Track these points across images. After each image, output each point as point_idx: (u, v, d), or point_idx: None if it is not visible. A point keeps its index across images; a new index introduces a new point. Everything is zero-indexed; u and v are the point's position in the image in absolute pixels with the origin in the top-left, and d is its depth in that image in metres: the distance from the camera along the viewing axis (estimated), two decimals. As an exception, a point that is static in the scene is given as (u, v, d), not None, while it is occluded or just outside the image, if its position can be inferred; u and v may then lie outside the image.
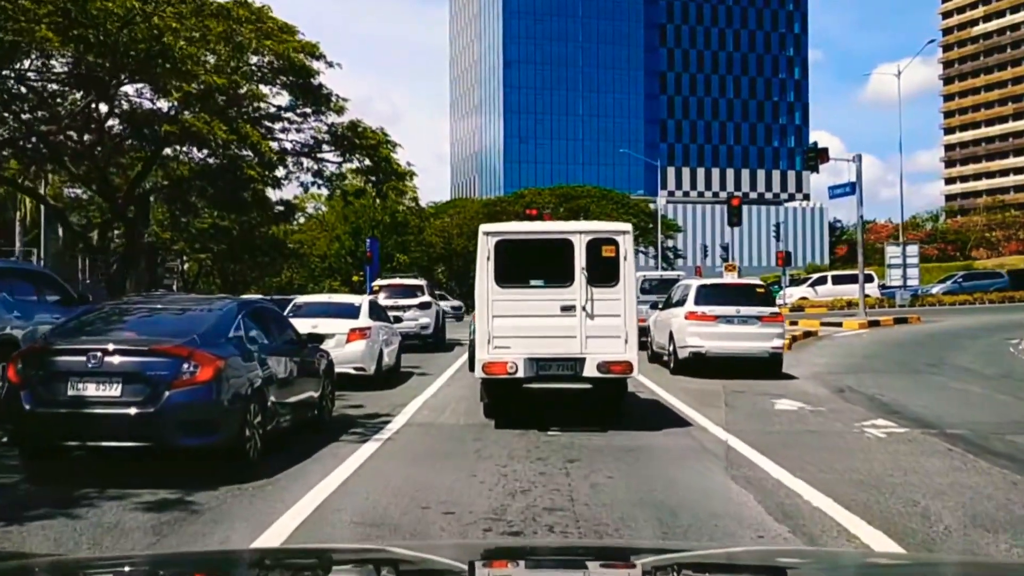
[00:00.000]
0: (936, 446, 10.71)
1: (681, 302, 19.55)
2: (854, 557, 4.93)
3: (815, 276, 56.71)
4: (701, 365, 18.54)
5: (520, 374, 11.88)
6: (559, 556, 4.02)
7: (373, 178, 32.03)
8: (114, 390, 8.28)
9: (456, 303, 53.25)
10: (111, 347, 8.45)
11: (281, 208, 43.08)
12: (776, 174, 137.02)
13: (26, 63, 24.03)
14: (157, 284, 61.22)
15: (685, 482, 8.69)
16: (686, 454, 10.22)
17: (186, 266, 73.09)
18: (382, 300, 24.10)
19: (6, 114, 25.80)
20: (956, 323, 33.89)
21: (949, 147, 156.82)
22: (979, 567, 4.38)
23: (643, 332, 18.18)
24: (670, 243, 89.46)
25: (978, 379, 18.60)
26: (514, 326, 11.93)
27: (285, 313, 17.16)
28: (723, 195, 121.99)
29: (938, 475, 9.01)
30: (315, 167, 31.95)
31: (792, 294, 48.65)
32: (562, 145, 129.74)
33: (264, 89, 28.79)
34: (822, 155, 34.46)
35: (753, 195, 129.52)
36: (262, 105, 29.74)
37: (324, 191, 35.36)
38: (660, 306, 21.43)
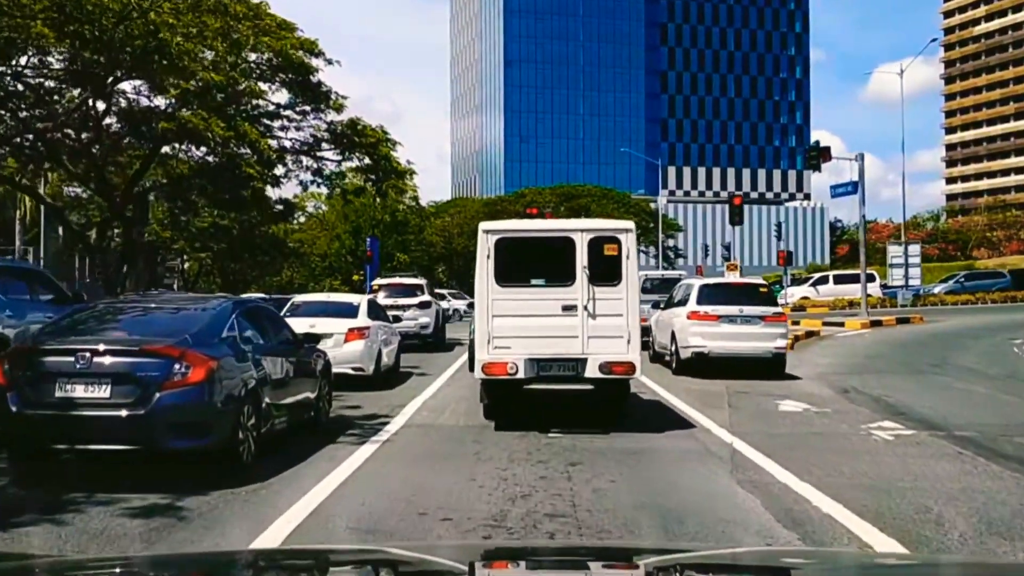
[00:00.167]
0: (945, 449, 10.49)
1: (683, 302, 19.34)
2: (856, 557, 4.85)
3: (816, 276, 56.48)
4: (703, 365, 18.33)
5: (520, 375, 11.64)
6: (560, 557, 3.97)
7: (373, 176, 31.81)
8: (103, 391, 8.06)
9: (472, 301, 52.87)
10: (100, 347, 8.23)
11: (280, 207, 42.88)
12: (777, 174, 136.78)
13: (23, 60, 23.81)
14: (157, 283, 61.06)
15: (690, 486, 8.47)
16: (690, 457, 10.00)
17: (186, 265, 72.94)
18: (381, 299, 23.89)
19: (3, 112, 25.59)
20: (959, 323, 33.69)
21: (950, 147, 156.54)
22: (981, 567, 4.35)
23: (644, 332, 17.97)
24: (671, 242, 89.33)
25: (983, 380, 18.39)
26: (514, 326, 11.70)
27: (283, 312, 17.01)
28: (724, 194, 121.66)
29: (949, 479, 8.79)
30: (314, 165, 31.75)
31: (793, 294, 48.43)
32: (563, 144, 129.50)
33: (263, 86, 28.58)
34: (824, 154, 34.20)
35: (754, 195, 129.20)
36: (261, 103, 29.55)
37: (323, 189, 35.14)
38: (662, 306, 21.22)
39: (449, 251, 79.85)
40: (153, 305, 10.02)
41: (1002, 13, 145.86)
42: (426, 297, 26.67)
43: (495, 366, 11.62)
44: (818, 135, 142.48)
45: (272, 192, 36.92)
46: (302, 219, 76.77)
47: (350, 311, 17.41)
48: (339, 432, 11.34)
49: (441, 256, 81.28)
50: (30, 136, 27.21)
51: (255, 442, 9.02)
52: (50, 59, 24.10)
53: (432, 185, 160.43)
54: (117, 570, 3.60)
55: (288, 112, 30.41)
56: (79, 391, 8.07)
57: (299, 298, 19.98)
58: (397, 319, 22.73)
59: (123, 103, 27.89)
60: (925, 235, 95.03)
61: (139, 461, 8.60)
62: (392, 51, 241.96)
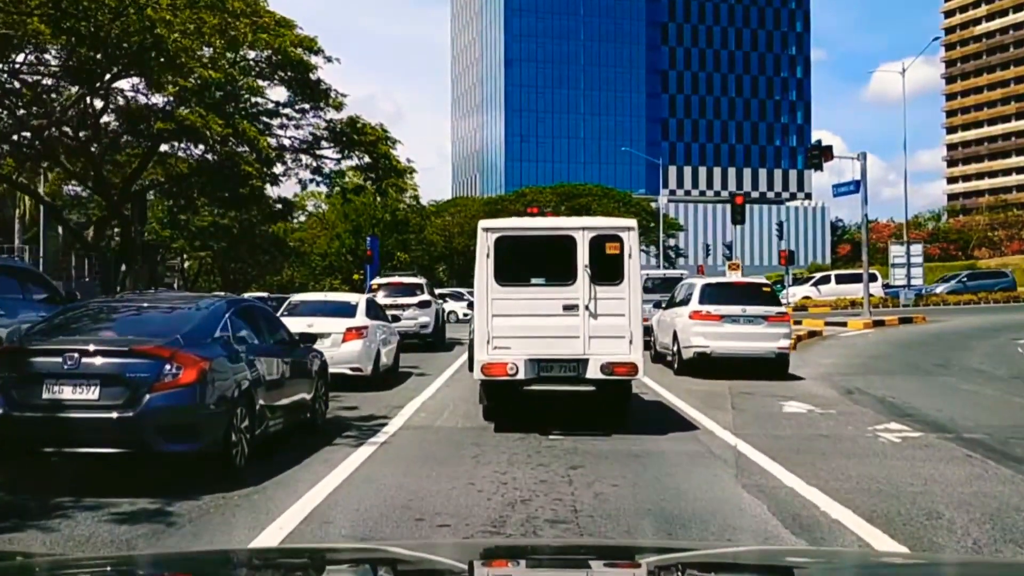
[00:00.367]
0: (954, 452, 10.28)
1: (685, 301, 19.15)
2: (857, 556, 4.81)
3: (818, 275, 56.31)
4: (706, 365, 18.15)
5: (520, 376, 11.42)
6: (560, 555, 3.91)
7: (372, 175, 31.60)
8: (92, 393, 7.83)
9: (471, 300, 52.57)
10: (89, 348, 8.01)
11: (280, 206, 42.70)
12: (778, 173, 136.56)
13: (19, 57, 23.62)
14: (157, 282, 60.94)
15: (694, 491, 8.24)
16: (694, 460, 9.78)
17: (187, 264, 72.82)
18: (381, 299, 23.72)
19: (0, 110, 25.38)
20: (962, 323, 33.49)
21: (951, 146, 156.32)
22: (981, 567, 4.31)
23: (646, 332, 17.80)
24: (672, 242, 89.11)
25: (989, 380, 18.18)
26: (514, 326, 11.47)
27: (280, 311, 16.81)
28: (725, 194, 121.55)
29: (960, 484, 8.58)
30: (314, 164, 31.52)
31: (795, 293, 48.19)
32: (563, 143, 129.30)
33: (261, 84, 28.36)
34: (826, 153, 34.00)
35: (755, 194, 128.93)
36: (260, 101, 29.35)
37: (323, 188, 34.92)
38: (664, 305, 21.03)
39: (449, 250, 79.63)
40: (145, 304, 9.79)
41: (1003, 13, 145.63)
42: (426, 296, 26.47)
43: (495, 367, 11.40)
44: (819, 135, 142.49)
45: (272, 191, 36.77)
46: (302, 218, 76.72)
47: (348, 310, 17.21)
48: (336, 434, 11.14)
49: (442, 255, 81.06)
50: (27, 134, 27.01)
51: (248, 445, 8.81)
52: (47, 56, 23.91)
53: (434, 184, 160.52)
54: (118, 568, 3.54)
55: (287, 110, 30.21)
56: (67, 392, 7.85)
57: (297, 297, 19.79)
58: (396, 318, 22.53)
59: (121, 101, 27.68)
60: (926, 235, 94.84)
61: (129, 464, 8.38)
62: (393, 51, 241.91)
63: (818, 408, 13.89)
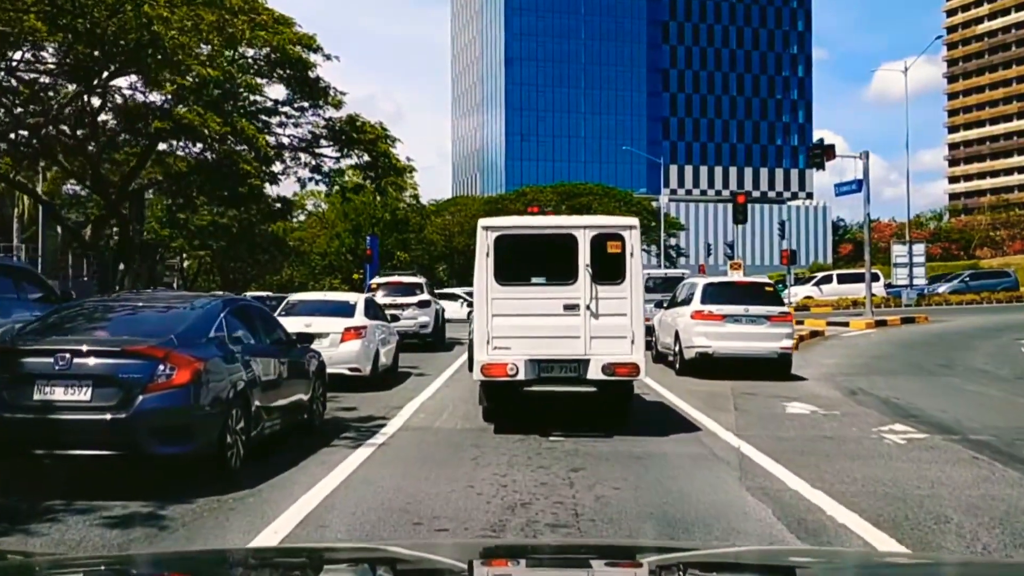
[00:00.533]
0: (960, 454, 10.13)
1: (687, 301, 19.01)
2: (857, 556, 4.79)
3: (820, 275, 56.10)
4: (708, 366, 18.01)
5: (521, 376, 11.26)
6: (561, 555, 3.88)
7: (372, 174, 31.44)
8: (83, 394, 7.68)
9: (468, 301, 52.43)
10: (80, 348, 7.85)
11: (279, 205, 42.55)
12: (779, 172, 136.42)
13: (17, 55, 23.47)
14: (157, 281, 60.84)
15: (697, 494, 8.09)
16: (697, 462, 9.62)
17: (186, 264, 72.71)
18: (380, 298, 23.57)
19: (-3, 107, 25.25)
20: (965, 323, 33.33)
21: (953, 146, 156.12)
22: (981, 567, 4.29)
23: (647, 332, 17.68)
24: (673, 241, 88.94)
25: (993, 381, 18.04)
26: (514, 326, 11.31)
27: (278, 311, 16.67)
28: (726, 193, 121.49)
29: (967, 487, 8.43)
30: (313, 162, 31.36)
31: (797, 293, 48.02)
32: (564, 143, 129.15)
33: (260, 82, 28.21)
34: (828, 152, 33.85)
35: (756, 193, 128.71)
36: (259, 99, 29.19)
37: (322, 187, 34.75)
38: (665, 305, 20.89)
39: (450, 249, 79.47)
40: (140, 304, 9.62)
41: (1005, 12, 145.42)
42: (425, 296, 26.32)
43: (494, 367, 11.25)
44: (820, 134, 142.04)
45: (271, 190, 36.61)
46: (302, 217, 76.58)
47: (347, 310, 17.06)
48: (333, 435, 10.99)
49: (442, 255, 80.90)
50: (24, 133, 26.87)
51: (244, 446, 8.66)
52: (44, 54, 23.77)
53: (433, 183, 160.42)
54: (117, 568, 3.52)
55: (286, 108, 30.06)
56: (58, 393, 7.69)
57: (295, 297, 19.65)
58: (395, 318, 22.38)
59: (118, 99, 27.54)
60: (928, 234, 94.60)
61: (122, 467, 8.22)
62: (393, 50, 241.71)
63: (822, 409, 13.74)
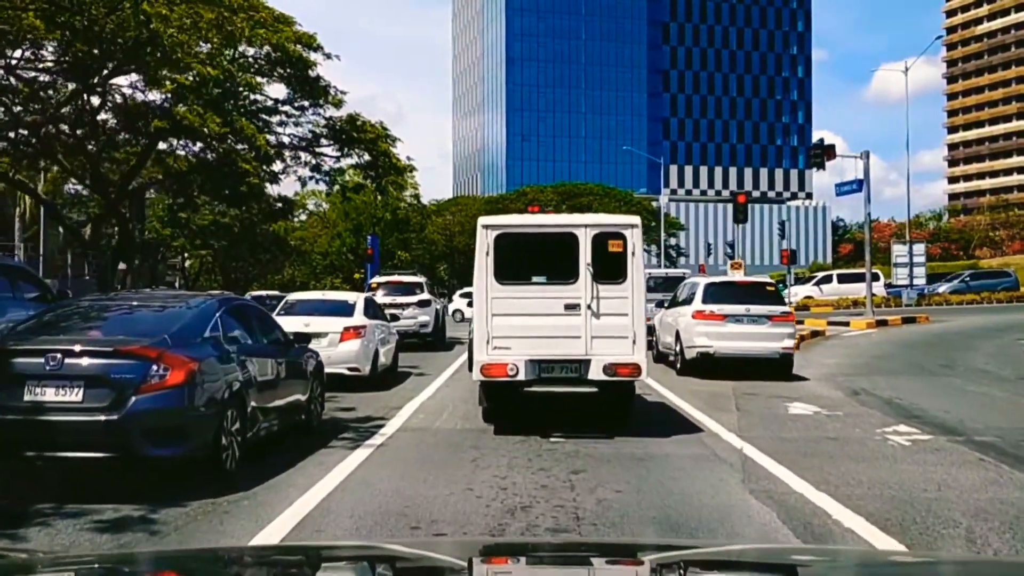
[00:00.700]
0: (966, 455, 9.99)
1: (688, 300, 18.90)
2: (858, 555, 4.73)
3: (820, 275, 55.98)
4: (709, 366, 17.90)
5: (521, 376, 11.12)
6: (561, 553, 3.86)
7: (372, 173, 31.30)
8: (75, 395, 7.53)
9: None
10: (72, 348, 7.70)
11: (280, 204, 42.39)
12: (779, 173, 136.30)
13: (16, 54, 23.33)
14: (158, 281, 60.76)
15: (700, 497, 7.95)
16: (699, 464, 9.48)
17: (188, 263, 72.56)
18: (380, 297, 23.49)
19: (-4, 106, 25.10)
20: (965, 323, 33.20)
21: (952, 146, 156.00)
22: (981, 565, 4.27)
23: (648, 331, 17.59)
24: (673, 241, 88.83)
25: (996, 381, 17.89)
26: (514, 325, 11.17)
27: (277, 310, 16.55)
28: (725, 193, 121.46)
29: (975, 490, 8.29)
30: (313, 161, 31.21)
31: (797, 293, 47.91)
32: (565, 143, 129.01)
33: (260, 80, 28.06)
34: (828, 152, 33.71)
35: (756, 193, 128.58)
36: (259, 98, 29.05)
37: (322, 186, 34.59)
38: (666, 305, 20.78)
39: (450, 249, 79.32)
40: (134, 303, 9.49)
41: (1004, 12, 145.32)
42: (425, 295, 26.23)
43: (494, 367, 11.11)
44: (820, 135, 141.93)
45: (272, 189, 36.46)
46: (303, 217, 76.44)
47: (346, 310, 16.94)
48: (332, 436, 10.86)
49: (443, 255, 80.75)
50: (25, 131, 26.72)
51: (240, 448, 8.52)
52: (44, 53, 23.62)
53: (434, 184, 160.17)
54: (117, 567, 3.49)
55: (286, 107, 29.91)
56: (49, 394, 7.55)
57: (294, 296, 19.54)
58: (395, 317, 22.27)
59: (118, 98, 27.40)
60: (927, 235, 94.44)
61: (114, 469, 8.08)
62: (394, 51, 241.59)
63: (824, 410, 13.61)
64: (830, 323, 32.46)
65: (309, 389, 11.00)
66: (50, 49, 23.04)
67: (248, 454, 8.79)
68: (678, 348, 18.76)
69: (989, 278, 52.39)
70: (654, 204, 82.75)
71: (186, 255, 68.37)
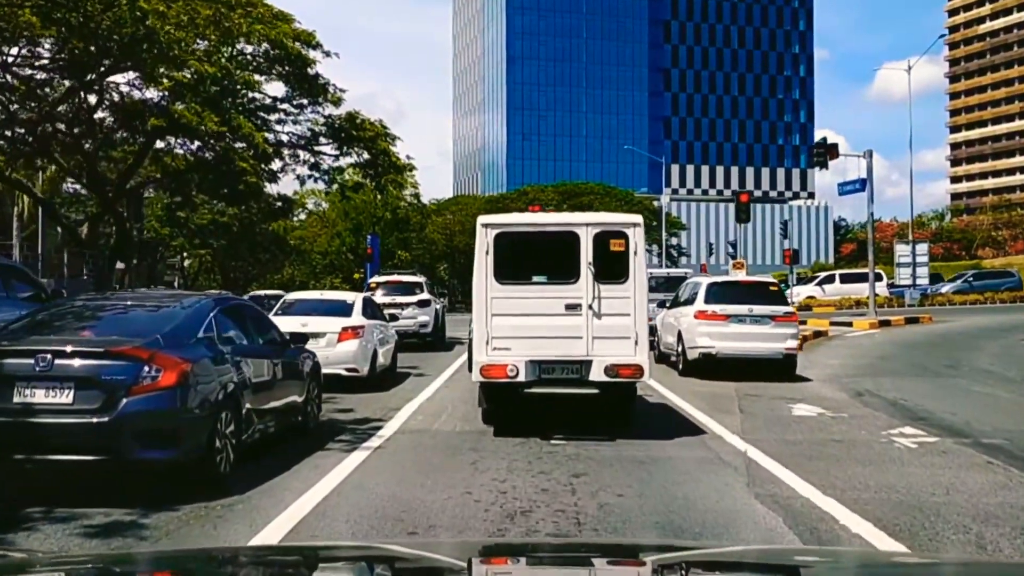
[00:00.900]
0: (974, 458, 9.81)
1: (690, 300, 18.74)
2: (858, 556, 4.72)
3: (822, 275, 55.81)
4: (711, 366, 17.73)
5: (521, 378, 10.95)
6: (561, 553, 3.84)
7: (371, 172, 31.09)
8: (65, 397, 7.36)
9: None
10: (62, 348, 7.54)
11: (280, 203, 42.20)
12: (780, 172, 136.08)
13: (13, 51, 23.16)
14: (157, 280, 60.65)
15: (704, 502, 7.77)
16: (703, 467, 9.31)
17: (187, 263, 72.44)
18: (379, 297, 23.34)
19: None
20: (969, 323, 33.03)
21: (955, 146, 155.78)
22: (982, 567, 4.26)
23: (650, 332, 17.44)
24: (674, 241, 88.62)
25: (1002, 382, 17.72)
26: (515, 326, 11.00)
27: (275, 310, 16.39)
28: (727, 193, 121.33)
29: (983, 493, 8.12)
30: (312, 160, 31.01)
31: (799, 293, 47.74)
32: (565, 142, 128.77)
33: (258, 78, 27.87)
34: (831, 151, 33.52)
35: (757, 193, 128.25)
36: (257, 96, 28.85)
37: (321, 185, 34.37)
38: (668, 305, 20.61)
39: (451, 249, 79.12)
40: (128, 303, 9.31)
41: (1007, 12, 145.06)
42: (425, 295, 26.06)
43: (494, 368, 10.94)
44: (822, 134, 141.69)
45: (271, 188, 36.27)
46: (303, 216, 76.30)
47: (344, 309, 16.77)
48: (328, 438, 10.69)
49: (443, 254, 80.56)
50: (21, 130, 26.56)
51: (234, 450, 8.35)
52: (40, 50, 23.46)
53: (434, 183, 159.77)
54: (117, 566, 3.48)
55: (285, 105, 29.70)
56: (39, 396, 7.37)
57: (291, 296, 19.39)
58: (395, 317, 22.11)
59: (115, 96, 27.22)
60: (929, 234, 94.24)
61: (105, 472, 7.90)
62: (394, 49, 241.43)
63: (828, 411, 13.44)
64: (833, 323, 32.29)
65: (306, 390, 10.83)
66: (46, 46, 22.88)
67: (243, 457, 8.63)
68: (680, 349, 18.60)
69: (992, 278, 52.21)
70: (655, 203, 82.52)
71: (185, 254, 68.27)
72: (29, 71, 24.60)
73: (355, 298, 17.77)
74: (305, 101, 29.24)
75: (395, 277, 28.17)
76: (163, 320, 8.33)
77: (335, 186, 32.81)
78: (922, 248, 45.51)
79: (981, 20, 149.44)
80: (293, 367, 10.54)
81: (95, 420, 7.30)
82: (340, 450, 9.95)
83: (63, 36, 20.13)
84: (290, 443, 10.06)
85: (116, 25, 18.68)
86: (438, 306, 27.41)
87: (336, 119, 29.71)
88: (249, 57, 27.50)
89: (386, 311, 20.59)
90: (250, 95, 28.19)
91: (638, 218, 11.60)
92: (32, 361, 7.42)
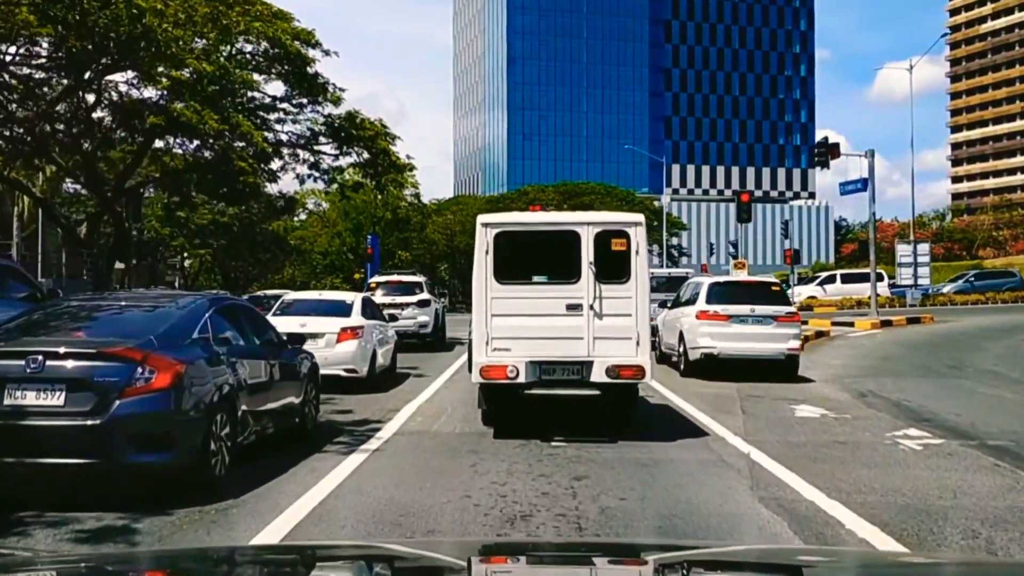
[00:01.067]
0: (980, 460, 9.69)
1: (692, 301, 18.61)
2: (858, 555, 4.72)
3: (824, 275, 55.68)
4: (713, 367, 17.61)
5: (521, 379, 10.81)
6: (562, 552, 3.83)
7: (371, 171, 30.94)
8: (57, 399, 7.22)
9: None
10: (54, 350, 7.40)
11: (282, 202, 42.04)
12: (781, 172, 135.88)
13: (11, 50, 23.03)
14: (157, 280, 60.53)
15: (708, 505, 7.64)
16: (705, 469, 9.18)
17: (187, 263, 72.32)
18: (379, 297, 23.23)
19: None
20: (971, 323, 32.91)
21: (956, 146, 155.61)
22: (981, 566, 4.24)
23: (651, 332, 17.31)
24: (675, 241, 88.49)
25: (1005, 383, 17.59)
26: (515, 326, 10.86)
27: (273, 310, 16.27)
28: (728, 193, 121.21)
29: (991, 496, 7.99)
30: (311, 159, 30.85)
31: (800, 293, 47.60)
32: (566, 142, 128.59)
33: (257, 77, 27.73)
34: (832, 150, 33.41)
35: (758, 193, 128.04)
36: (256, 95, 28.70)
37: (321, 184, 34.19)
38: (669, 305, 20.49)
39: (451, 249, 78.98)
40: (123, 303, 9.18)
41: (1008, 11, 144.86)
42: (425, 295, 25.93)
43: (494, 369, 10.80)
44: (823, 134, 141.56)
45: (271, 187, 36.09)
46: (303, 216, 76.18)
47: (343, 310, 16.64)
48: (326, 440, 10.56)
49: (443, 254, 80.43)
50: (20, 129, 26.42)
51: (229, 453, 8.20)
52: (38, 49, 23.32)
53: (435, 183, 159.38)
54: (116, 566, 3.45)
55: (284, 104, 29.54)
56: (30, 398, 7.23)
57: (290, 296, 19.27)
58: (394, 318, 21.98)
59: (113, 96, 27.08)
60: (930, 234, 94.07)
61: (97, 475, 7.75)
62: (397, 49, 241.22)
63: (832, 412, 13.31)
64: (834, 323, 32.18)
65: (303, 392, 10.69)
66: (44, 45, 22.74)
67: (238, 459, 8.49)
68: (681, 349, 18.47)
69: (994, 278, 52.08)
70: (656, 203, 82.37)
71: (185, 254, 68.14)
72: (27, 70, 24.47)
73: (354, 298, 17.64)
74: (304, 100, 29.08)
75: (395, 277, 28.04)
76: (157, 321, 8.19)
77: (335, 186, 32.67)
78: (923, 248, 45.40)
79: (982, 20, 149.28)
80: (290, 368, 10.40)
81: (87, 422, 7.17)
82: (338, 452, 9.82)
83: (60, 34, 19.98)
84: (287, 446, 9.93)
85: (113, 23, 18.53)
86: (438, 306, 27.29)
87: (336, 118, 29.55)
88: (248, 56, 27.35)
89: (386, 311, 20.47)
90: (249, 94, 28.04)
91: (640, 217, 11.47)
92: (23, 362, 7.29)
